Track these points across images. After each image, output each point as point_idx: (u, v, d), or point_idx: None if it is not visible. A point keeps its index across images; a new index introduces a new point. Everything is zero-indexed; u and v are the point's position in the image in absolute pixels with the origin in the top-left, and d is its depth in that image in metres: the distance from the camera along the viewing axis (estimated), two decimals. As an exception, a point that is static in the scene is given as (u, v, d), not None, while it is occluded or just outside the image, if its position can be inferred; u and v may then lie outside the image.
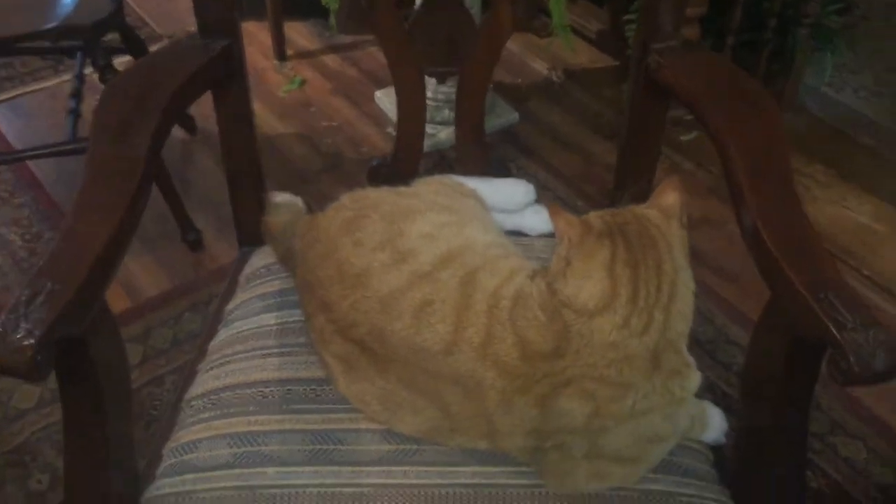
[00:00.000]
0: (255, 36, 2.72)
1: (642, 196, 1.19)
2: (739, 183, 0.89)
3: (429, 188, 1.11)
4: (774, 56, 2.46)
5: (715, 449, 1.01)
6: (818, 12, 2.35)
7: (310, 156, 2.30)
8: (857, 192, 2.23)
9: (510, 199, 1.21)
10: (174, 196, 1.97)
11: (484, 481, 0.94)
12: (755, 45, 2.40)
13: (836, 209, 2.16)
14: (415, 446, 0.96)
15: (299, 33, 2.72)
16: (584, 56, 2.61)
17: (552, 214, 0.90)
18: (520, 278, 0.94)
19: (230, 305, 1.16)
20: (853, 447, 1.63)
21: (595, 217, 0.92)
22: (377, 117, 2.43)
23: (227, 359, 1.07)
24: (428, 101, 2.31)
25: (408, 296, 0.92)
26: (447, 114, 2.33)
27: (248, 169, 1.19)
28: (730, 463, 0.97)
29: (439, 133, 2.33)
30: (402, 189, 1.10)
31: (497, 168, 1.24)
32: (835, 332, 0.73)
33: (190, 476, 0.96)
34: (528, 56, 2.64)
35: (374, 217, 1.01)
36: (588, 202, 2.12)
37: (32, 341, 0.73)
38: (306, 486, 0.94)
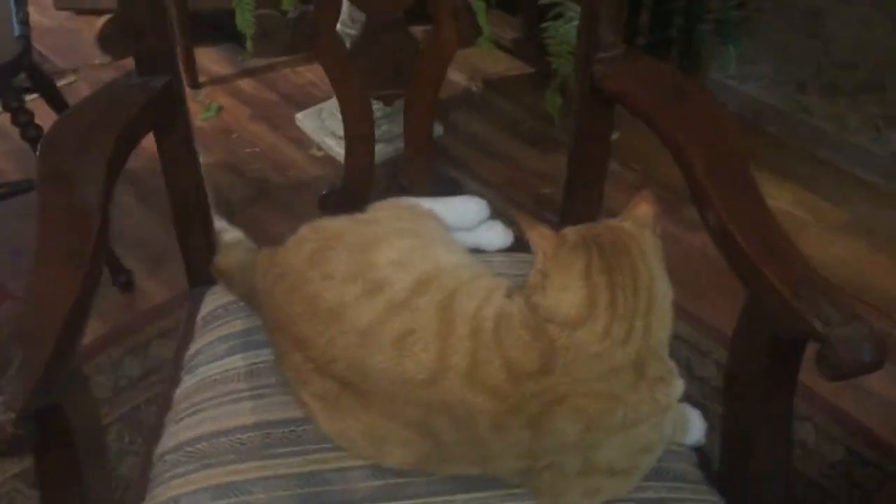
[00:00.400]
0: (164, 65, 2.65)
1: (594, 203, 1.21)
2: (702, 185, 0.90)
3: (388, 213, 1.09)
4: (682, 53, 2.53)
5: (696, 449, 1.03)
6: (720, 8, 2.43)
7: (237, 184, 2.25)
8: (774, 179, 2.30)
9: (464, 217, 1.20)
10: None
11: (478, 508, 0.93)
12: (664, 44, 2.47)
13: (759, 198, 2.22)
14: (405, 479, 0.95)
15: (211, 59, 2.66)
16: (502, 65, 2.63)
17: (526, 228, 0.90)
18: (497, 298, 0.93)
19: (191, 351, 1.12)
20: (803, 429, 1.68)
21: (570, 230, 0.92)
22: (300, 140, 2.39)
23: (197, 407, 1.03)
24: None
25: (387, 327, 0.90)
26: (372, 132, 2.32)
27: (196, 207, 1.15)
28: (717, 463, 0.98)
29: (366, 151, 2.32)
30: (361, 216, 1.08)
31: (448, 187, 1.23)
32: (822, 329, 0.75)
33: (174, 536, 0.92)
34: (445, 68, 2.65)
35: (338, 248, 0.99)
36: (521, 210, 2.13)
37: (12, 416, 0.68)
38: (300, 532, 0.91)
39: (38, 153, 0.92)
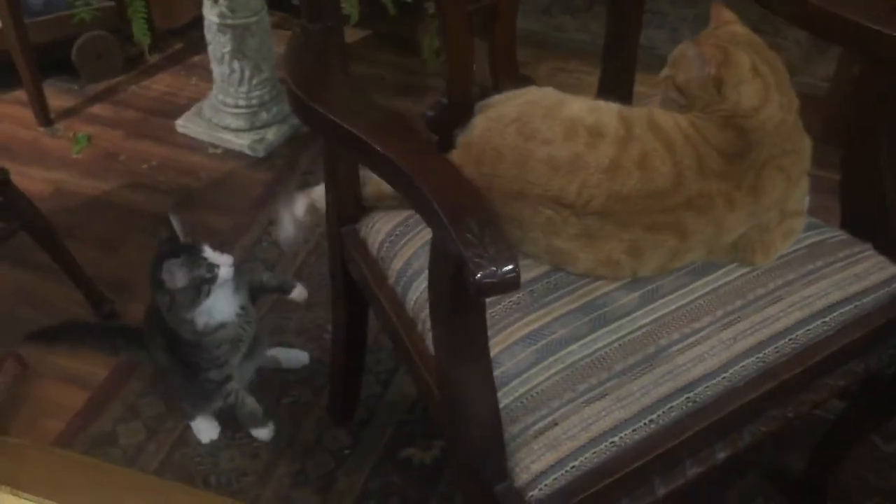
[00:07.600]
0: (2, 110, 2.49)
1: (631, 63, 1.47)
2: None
3: (536, 93, 1.24)
4: None
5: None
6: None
7: (155, 198, 2.20)
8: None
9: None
10: (77, 269, 1.83)
11: (715, 285, 1.18)
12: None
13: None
14: (653, 285, 1.17)
15: (46, 94, 2.52)
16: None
17: (699, 45, 1.15)
18: (675, 113, 1.16)
19: (394, 267, 1.23)
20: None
21: (713, 39, 1.18)
22: (190, 145, 2.38)
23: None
24: (241, 110, 2.31)
25: (625, 157, 1.11)
26: (265, 117, 2.38)
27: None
28: (842, 202, 1.29)
29: (266, 135, 2.37)
30: (516, 100, 1.22)
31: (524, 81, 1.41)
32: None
33: (514, 382, 1.06)
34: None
35: (538, 120, 1.15)
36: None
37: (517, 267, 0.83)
38: (608, 345, 1.10)
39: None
